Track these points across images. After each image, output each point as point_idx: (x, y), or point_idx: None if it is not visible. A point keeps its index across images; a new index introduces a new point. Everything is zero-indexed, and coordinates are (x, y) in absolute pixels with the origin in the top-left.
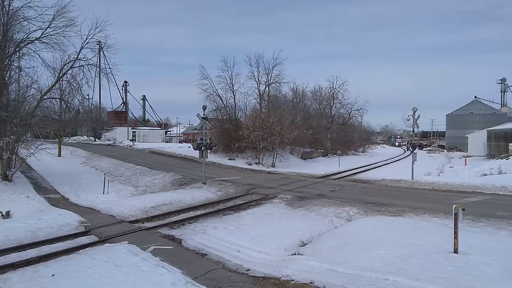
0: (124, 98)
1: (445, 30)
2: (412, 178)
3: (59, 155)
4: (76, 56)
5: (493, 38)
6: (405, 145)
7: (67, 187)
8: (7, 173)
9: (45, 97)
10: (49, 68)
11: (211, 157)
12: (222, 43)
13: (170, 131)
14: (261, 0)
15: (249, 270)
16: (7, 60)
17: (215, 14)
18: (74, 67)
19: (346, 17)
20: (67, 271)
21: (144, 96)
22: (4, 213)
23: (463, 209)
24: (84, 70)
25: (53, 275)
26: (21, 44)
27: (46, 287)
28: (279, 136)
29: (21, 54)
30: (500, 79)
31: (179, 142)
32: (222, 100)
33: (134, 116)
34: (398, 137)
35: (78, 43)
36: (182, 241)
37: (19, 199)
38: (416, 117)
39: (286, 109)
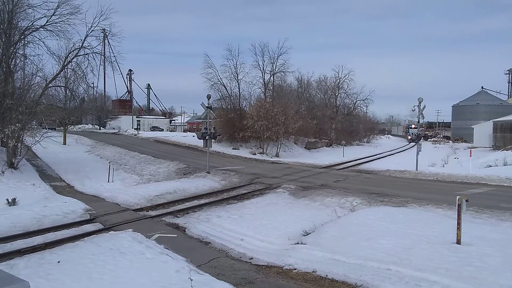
0: (128, 87)
1: (452, 19)
2: (417, 169)
3: (64, 143)
4: (81, 44)
5: (501, 28)
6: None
7: (72, 175)
8: (13, 160)
9: (50, 85)
10: (54, 56)
11: (215, 147)
12: (227, 32)
13: (174, 120)
14: None
15: (252, 258)
16: (12, 47)
17: (220, 3)
18: (79, 55)
19: (353, 6)
20: (73, 258)
21: (149, 84)
22: (10, 200)
23: (466, 200)
24: (89, 58)
25: (59, 261)
26: (26, 32)
27: (52, 273)
28: (284, 126)
29: (26, 42)
30: (508, 70)
31: (184, 131)
32: (226, 89)
33: (139, 105)
34: (413, 126)
35: (83, 31)
36: (186, 230)
37: (25, 186)
38: (421, 108)
39: (291, 99)
